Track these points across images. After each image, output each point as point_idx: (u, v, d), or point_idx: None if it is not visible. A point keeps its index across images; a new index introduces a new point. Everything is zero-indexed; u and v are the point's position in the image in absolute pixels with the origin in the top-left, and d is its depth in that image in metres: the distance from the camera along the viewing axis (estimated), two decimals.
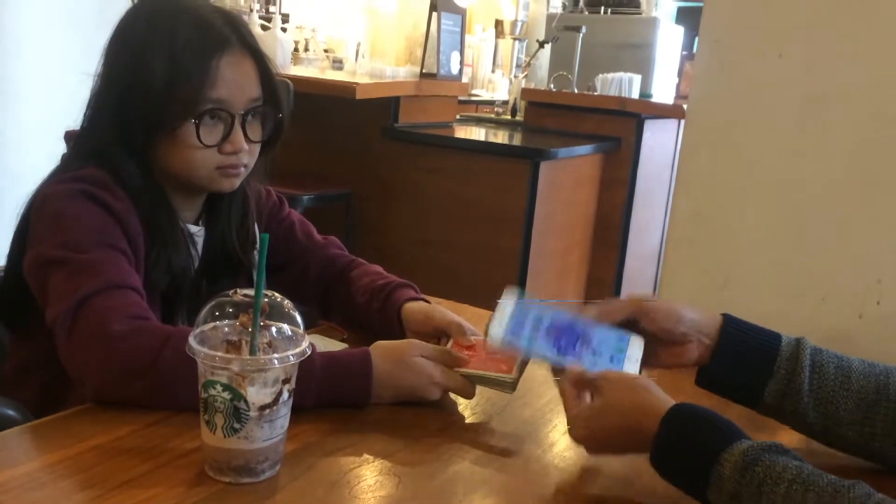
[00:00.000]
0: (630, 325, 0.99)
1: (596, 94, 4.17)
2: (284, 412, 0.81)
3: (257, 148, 1.14)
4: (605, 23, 5.06)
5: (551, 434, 1.00)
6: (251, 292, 0.81)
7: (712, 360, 0.96)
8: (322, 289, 1.33)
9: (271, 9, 4.99)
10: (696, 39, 1.36)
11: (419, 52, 3.68)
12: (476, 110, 4.74)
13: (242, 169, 1.13)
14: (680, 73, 6.08)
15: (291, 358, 0.80)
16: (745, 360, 0.95)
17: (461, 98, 4.16)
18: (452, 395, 1.05)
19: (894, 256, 1.22)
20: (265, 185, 1.32)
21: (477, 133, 3.69)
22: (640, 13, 5.19)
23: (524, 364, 1.00)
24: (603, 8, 5.18)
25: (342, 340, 1.23)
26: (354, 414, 0.99)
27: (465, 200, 3.14)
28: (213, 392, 0.79)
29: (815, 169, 1.27)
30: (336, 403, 0.98)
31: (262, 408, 0.79)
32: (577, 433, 0.88)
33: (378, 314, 1.22)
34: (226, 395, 0.78)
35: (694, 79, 1.35)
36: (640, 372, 0.93)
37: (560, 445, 0.98)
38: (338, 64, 4.19)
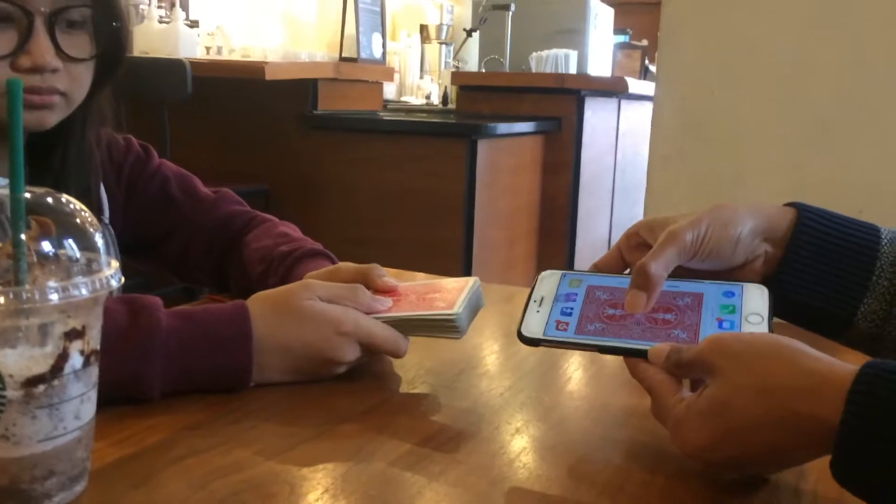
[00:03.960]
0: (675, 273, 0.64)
1: (532, 72, 3.94)
2: (80, 390, 0.48)
3: (83, 72, 0.82)
4: (535, 5, 4.84)
5: (521, 412, 0.69)
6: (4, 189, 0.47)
7: (778, 273, 0.64)
8: (215, 259, 1.01)
9: (178, 12, 4.60)
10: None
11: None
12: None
13: (56, 99, 0.79)
14: (614, 64, 5.90)
15: (82, 288, 0.47)
16: (826, 268, 0.64)
17: (390, 104, 3.89)
18: (374, 367, 0.73)
19: None
20: (123, 135, 1.01)
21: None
22: None
23: (474, 299, 0.69)
24: None
25: None
26: (228, 399, 0.66)
27: (397, 191, 2.87)
28: None
29: (839, 42, 0.98)
30: (199, 387, 0.65)
31: (31, 382, 0.45)
32: (692, 443, 0.53)
33: None
34: None
35: None
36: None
37: (523, 441, 0.66)
38: (248, 57, 3.86)
